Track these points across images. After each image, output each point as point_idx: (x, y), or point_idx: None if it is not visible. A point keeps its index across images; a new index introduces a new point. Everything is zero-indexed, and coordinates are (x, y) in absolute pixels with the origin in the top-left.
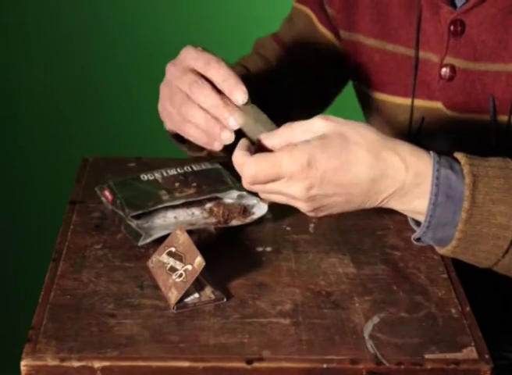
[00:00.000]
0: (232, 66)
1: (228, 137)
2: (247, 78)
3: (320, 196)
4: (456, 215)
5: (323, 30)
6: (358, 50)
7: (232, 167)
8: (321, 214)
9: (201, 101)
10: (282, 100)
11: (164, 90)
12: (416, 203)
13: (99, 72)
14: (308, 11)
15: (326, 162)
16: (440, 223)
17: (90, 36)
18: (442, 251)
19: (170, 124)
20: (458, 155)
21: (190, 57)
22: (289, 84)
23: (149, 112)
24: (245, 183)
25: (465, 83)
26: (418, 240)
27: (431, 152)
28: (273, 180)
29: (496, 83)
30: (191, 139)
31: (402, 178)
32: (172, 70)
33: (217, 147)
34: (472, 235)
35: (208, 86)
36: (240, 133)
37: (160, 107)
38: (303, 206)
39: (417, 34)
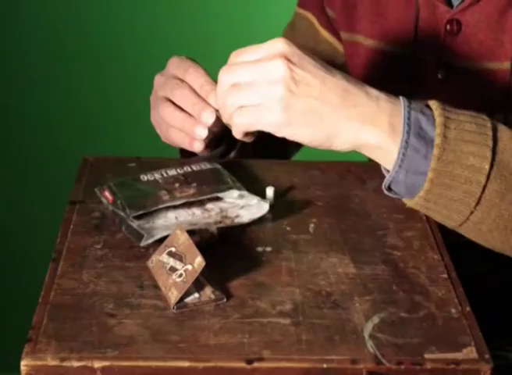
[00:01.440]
0: None
1: (201, 133)
2: None
3: (300, 71)
4: (427, 157)
5: (325, 33)
6: (358, 51)
7: (232, 167)
8: (295, 119)
9: (180, 100)
10: None
11: (152, 101)
12: (385, 134)
13: (99, 72)
14: (309, 15)
15: (305, 52)
16: (412, 163)
17: (90, 35)
18: (414, 201)
19: (161, 135)
20: (430, 102)
21: (173, 66)
22: None
23: (149, 112)
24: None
25: (461, 82)
26: (390, 190)
27: (400, 97)
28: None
29: (492, 82)
30: (175, 144)
31: (376, 94)
32: (157, 80)
33: (197, 147)
34: (445, 176)
35: (186, 86)
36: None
37: (152, 120)
38: (278, 88)
39: (414, 34)
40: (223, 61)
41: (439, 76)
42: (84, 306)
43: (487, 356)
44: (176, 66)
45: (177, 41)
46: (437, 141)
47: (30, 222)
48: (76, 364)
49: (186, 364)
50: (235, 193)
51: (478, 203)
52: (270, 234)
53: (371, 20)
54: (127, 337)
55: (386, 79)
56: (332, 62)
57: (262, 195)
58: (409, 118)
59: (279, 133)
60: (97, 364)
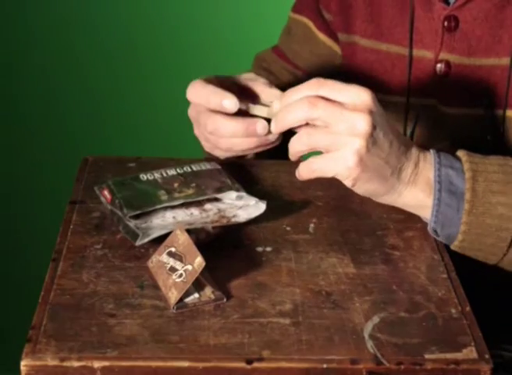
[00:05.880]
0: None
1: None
2: None
3: (379, 130)
4: (459, 210)
5: (322, 37)
6: (354, 51)
7: (232, 167)
8: (362, 174)
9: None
10: None
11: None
12: (424, 194)
13: (99, 72)
14: (306, 20)
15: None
16: (446, 218)
17: (90, 36)
18: (451, 246)
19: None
20: (460, 153)
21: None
22: None
23: (149, 112)
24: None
25: (460, 78)
26: (435, 232)
27: (431, 151)
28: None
29: (490, 77)
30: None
31: (416, 153)
32: (190, 114)
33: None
34: (476, 227)
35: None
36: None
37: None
38: (357, 142)
39: (410, 33)
40: (230, 63)
41: (438, 72)
42: (84, 306)
43: (487, 356)
44: (196, 96)
45: (176, 44)
46: (467, 196)
47: (31, 222)
48: (76, 364)
49: (186, 364)
50: (233, 194)
51: (510, 246)
52: (270, 234)
53: (365, 20)
54: (127, 337)
55: (384, 78)
56: (330, 65)
57: (262, 195)
58: (439, 175)
59: (342, 181)
60: (97, 364)
